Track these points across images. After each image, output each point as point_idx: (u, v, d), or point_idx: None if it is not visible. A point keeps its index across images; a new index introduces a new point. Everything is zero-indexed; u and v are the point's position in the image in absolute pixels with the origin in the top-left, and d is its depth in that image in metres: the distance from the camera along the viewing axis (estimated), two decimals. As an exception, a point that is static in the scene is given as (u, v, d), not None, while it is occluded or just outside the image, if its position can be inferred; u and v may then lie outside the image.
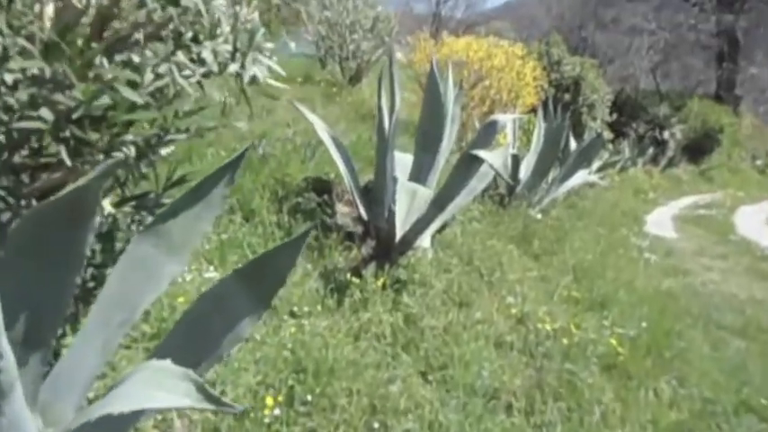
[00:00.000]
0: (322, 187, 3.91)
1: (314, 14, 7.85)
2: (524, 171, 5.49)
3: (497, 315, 3.09)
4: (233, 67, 1.43)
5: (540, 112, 5.56)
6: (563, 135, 5.06)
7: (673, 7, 20.35)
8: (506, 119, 3.70)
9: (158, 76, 1.34)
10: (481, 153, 2.96)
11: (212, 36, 1.51)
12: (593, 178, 7.25)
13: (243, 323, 1.24)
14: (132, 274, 1.21)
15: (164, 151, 1.84)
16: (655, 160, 13.58)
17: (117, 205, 1.52)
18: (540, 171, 5.23)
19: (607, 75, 23.09)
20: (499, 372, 2.61)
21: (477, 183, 3.92)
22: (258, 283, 1.23)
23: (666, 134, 13.90)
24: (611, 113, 11.38)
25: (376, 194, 3.45)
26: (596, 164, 9.47)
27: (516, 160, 5.13)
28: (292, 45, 11.74)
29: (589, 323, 3.13)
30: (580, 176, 5.78)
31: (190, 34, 1.47)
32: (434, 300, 3.10)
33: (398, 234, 2.79)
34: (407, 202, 2.88)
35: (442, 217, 3.72)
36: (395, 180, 3.09)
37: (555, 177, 5.53)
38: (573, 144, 8.60)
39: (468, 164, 3.09)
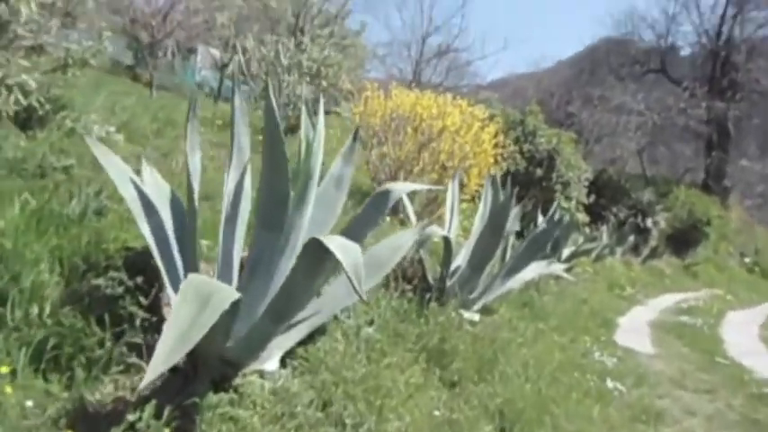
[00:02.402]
0: (141, 264, 2.75)
1: (250, 51, 6.95)
2: (462, 259, 4.42)
3: None
4: None
5: (488, 186, 4.54)
6: (508, 216, 4.01)
7: (663, 90, 20.23)
8: (404, 189, 2.64)
9: None
10: (330, 241, 1.86)
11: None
12: (559, 270, 6.18)
13: None
14: None
15: None
16: (636, 249, 12.67)
17: None
18: (477, 260, 4.15)
19: (593, 154, 22.77)
20: None
21: (369, 278, 2.82)
22: None
23: (649, 222, 13.08)
24: (588, 194, 10.52)
25: (186, 288, 2.31)
26: (567, 250, 8.48)
27: (448, 244, 4.05)
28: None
29: None
30: (534, 269, 4.70)
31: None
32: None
33: (165, 361, 1.62)
34: (193, 310, 1.75)
35: (302, 327, 2.59)
36: (185, 273, 1.97)
37: (501, 268, 4.44)
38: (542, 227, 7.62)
39: (314, 254, 1.98)
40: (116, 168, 2.40)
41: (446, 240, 4.03)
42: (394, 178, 6.41)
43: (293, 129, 7.05)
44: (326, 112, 7.82)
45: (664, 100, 19.24)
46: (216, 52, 18.69)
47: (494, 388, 3.24)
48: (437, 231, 3.98)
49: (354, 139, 2.81)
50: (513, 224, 4.82)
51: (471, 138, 6.12)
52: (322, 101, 2.47)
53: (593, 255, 9.99)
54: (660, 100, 19.40)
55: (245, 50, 6.97)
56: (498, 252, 4.97)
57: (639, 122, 18.11)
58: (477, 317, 4.35)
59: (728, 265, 18.04)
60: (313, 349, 2.77)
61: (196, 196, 2.23)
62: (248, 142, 2.54)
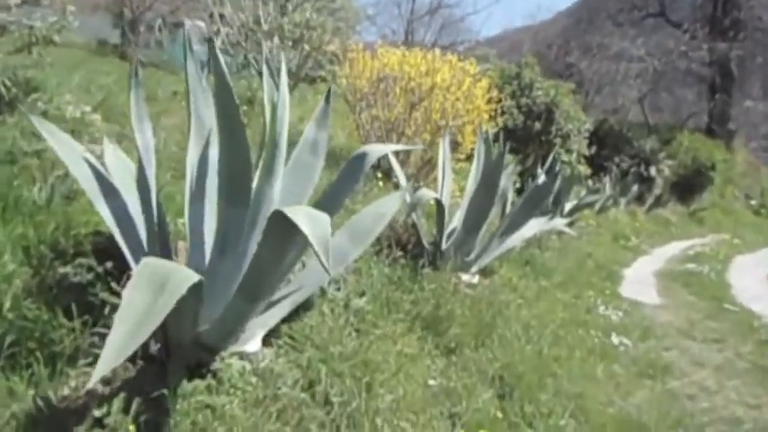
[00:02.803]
0: (112, 248, 2.59)
1: (229, 17, 6.65)
2: (458, 220, 4.26)
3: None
4: None
5: (480, 143, 4.34)
6: (501, 173, 3.82)
7: (663, 33, 19.62)
8: (382, 151, 2.44)
9: None
10: (294, 213, 1.68)
11: None
12: (560, 224, 6.00)
13: None
14: None
15: None
16: (640, 199, 12.43)
17: None
18: (472, 220, 3.98)
19: (595, 105, 22.28)
20: None
21: (353, 247, 2.68)
22: None
23: (653, 170, 12.79)
24: (589, 146, 10.25)
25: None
26: (570, 204, 8.29)
27: (441, 207, 3.88)
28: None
29: None
30: (534, 225, 4.53)
31: None
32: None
33: (118, 354, 1.46)
34: (147, 297, 1.59)
35: (285, 304, 2.45)
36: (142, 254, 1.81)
37: (498, 227, 4.27)
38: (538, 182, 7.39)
39: (280, 228, 1.81)
40: (66, 147, 2.22)
41: (438, 203, 3.86)
42: (386, 141, 6.20)
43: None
44: (313, 79, 7.53)
45: (664, 44, 18.65)
46: (203, 25, 18.18)
47: (493, 353, 3.11)
48: (428, 194, 3.80)
49: (327, 100, 2.61)
50: (508, 181, 4.64)
51: (463, 94, 5.87)
52: (284, 59, 2.25)
53: (597, 207, 9.79)
54: (660, 44, 18.80)
55: (222, 18, 6.68)
56: (496, 210, 4.80)
57: (640, 69, 17.61)
58: (475, 279, 4.21)
59: (734, 208, 17.80)
60: (299, 326, 2.63)
61: (151, 173, 2.05)
62: (210, 112, 2.34)
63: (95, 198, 2.20)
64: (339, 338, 2.60)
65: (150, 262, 1.71)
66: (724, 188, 17.78)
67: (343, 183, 2.36)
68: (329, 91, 2.62)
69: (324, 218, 1.74)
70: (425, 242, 4.14)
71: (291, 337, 2.55)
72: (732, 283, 6.60)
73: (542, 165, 8.27)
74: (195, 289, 1.75)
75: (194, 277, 1.71)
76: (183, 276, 1.68)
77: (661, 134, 16.10)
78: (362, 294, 3.22)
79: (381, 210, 2.78)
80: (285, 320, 2.59)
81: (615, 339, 3.96)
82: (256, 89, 7.05)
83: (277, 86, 2.17)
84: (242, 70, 6.67)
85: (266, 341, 2.53)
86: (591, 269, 6.25)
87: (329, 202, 2.33)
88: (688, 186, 14.80)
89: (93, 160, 2.27)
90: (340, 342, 2.56)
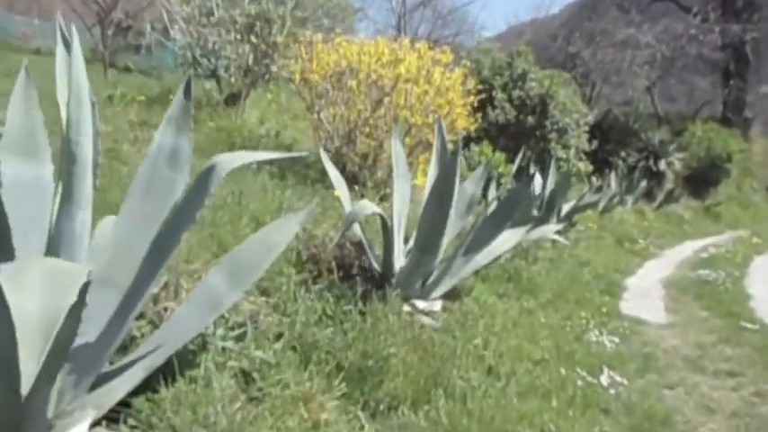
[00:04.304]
0: None
1: (174, 11, 6.04)
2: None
3: None
4: None
5: (437, 140, 3.69)
6: (454, 179, 3.17)
7: (671, 18, 18.78)
8: (236, 161, 1.79)
9: None
10: (16, 272, 1.05)
11: None
12: (549, 232, 5.33)
13: None
14: None
15: None
16: (649, 195, 11.66)
17: None
18: (425, 237, 3.34)
19: (602, 96, 21.44)
20: None
21: (231, 290, 2.06)
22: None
23: (662, 164, 12.02)
24: (591, 139, 9.52)
25: None
26: (567, 206, 7.60)
27: (385, 223, 3.24)
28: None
29: None
30: (507, 238, 3.86)
31: None
32: None
33: None
34: None
35: (135, 371, 1.84)
36: None
37: (461, 244, 3.60)
38: (538, 187, 6.69)
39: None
40: None
41: (382, 219, 3.21)
42: (350, 142, 5.57)
43: (234, 98, 6.19)
44: (276, 78, 6.86)
45: (673, 29, 17.79)
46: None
47: (438, 412, 2.45)
48: (370, 207, 3.14)
49: (186, 95, 1.97)
50: (477, 187, 3.98)
51: (433, 87, 5.21)
52: (75, 31, 1.61)
53: (600, 207, 9.07)
54: (669, 29, 17.95)
55: (168, 12, 6.09)
56: (464, 223, 4.14)
57: (648, 56, 16.79)
58: (437, 306, 3.56)
59: (753, 201, 16.94)
60: (161, 396, 2.00)
61: None
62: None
63: None
64: (213, 413, 1.97)
65: None
66: (741, 180, 16.93)
67: (185, 209, 1.72)
68: (188, 82, 1.99)
69: (67, 278, 1.10)
70: (376, 265, 3.50)
71: (140, 420, 1.92)
72: (751, 292, 5.87)
73: (537, 164, 7.59)
74: None
75: None
76: None
77: (672, 125, 15.31)
78: (277, 339, 2.59)
79: (273, 238, 2.14)
80: (144, 389, 1.97)
81: (605, 378, 3.28)
82: (210, 90, 6.46)
83: (69, 62, 1.54)
84: (189, 68, 6.07)
85: (110, 423, 1.90)
86: (587, 281, 5.56)
87: (167, 234, 1.70)
88: (702, 180, 14.01)
89: None
90: (209, 420, 1.92)
